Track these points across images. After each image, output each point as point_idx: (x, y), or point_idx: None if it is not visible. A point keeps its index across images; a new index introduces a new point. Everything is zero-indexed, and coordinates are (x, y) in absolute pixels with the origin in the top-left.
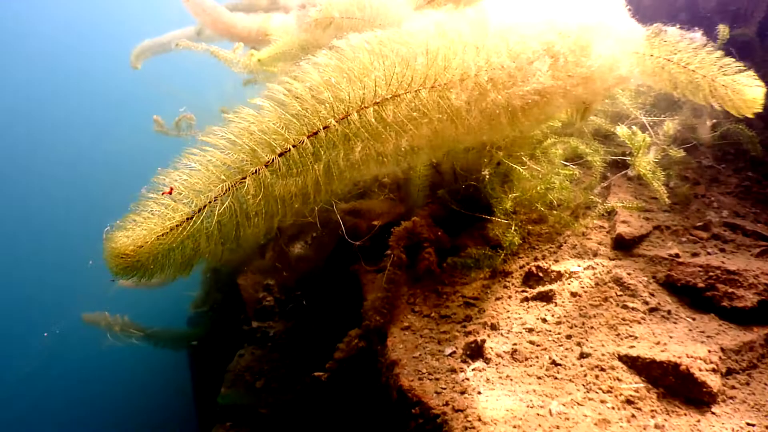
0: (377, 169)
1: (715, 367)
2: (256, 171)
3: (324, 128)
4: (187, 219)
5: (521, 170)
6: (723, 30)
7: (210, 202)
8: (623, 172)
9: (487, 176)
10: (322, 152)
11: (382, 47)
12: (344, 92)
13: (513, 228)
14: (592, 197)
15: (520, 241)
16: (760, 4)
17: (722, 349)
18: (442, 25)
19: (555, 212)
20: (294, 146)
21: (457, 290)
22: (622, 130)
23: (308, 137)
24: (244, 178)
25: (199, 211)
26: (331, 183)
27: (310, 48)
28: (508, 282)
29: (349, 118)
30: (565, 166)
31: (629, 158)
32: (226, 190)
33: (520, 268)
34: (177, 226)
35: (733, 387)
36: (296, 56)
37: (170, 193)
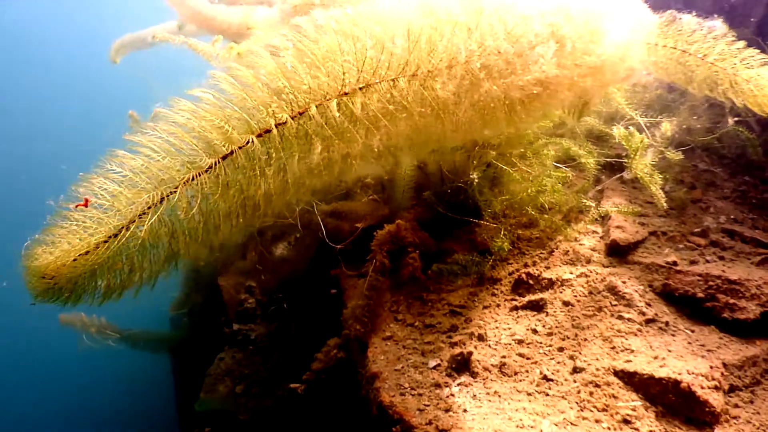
0: (344, 174)
1: (718, 384)
2: (191, 179)
3: (277, 125)
4: (114, 235)
5: (511, 172)
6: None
7: (138, 217)
8: (618, 176)
9: (476, 180)
10: (275, 154)
11: (353, 27)
12: (304, 81)
13: (502, 232)
14: (585, 201)
15: (509, 246)
16: (759, 4)
17: (724, 365)
18: (428, 1)
19: (546, 216)
20: (240, 147)
21: (443, 297)
22: (618, 131)
23: (258, 136)
24: (177, 188)
25: (124, 228)
26: (285, 192)
27: None
28: (497, 289)
29: (308, 112)
30: (557, 168)
31: (625, 161)
32: (156, 202)
33: (510, 274)
34: (99, 245)
35: (736, 405)
36: None
37: (86, 205)
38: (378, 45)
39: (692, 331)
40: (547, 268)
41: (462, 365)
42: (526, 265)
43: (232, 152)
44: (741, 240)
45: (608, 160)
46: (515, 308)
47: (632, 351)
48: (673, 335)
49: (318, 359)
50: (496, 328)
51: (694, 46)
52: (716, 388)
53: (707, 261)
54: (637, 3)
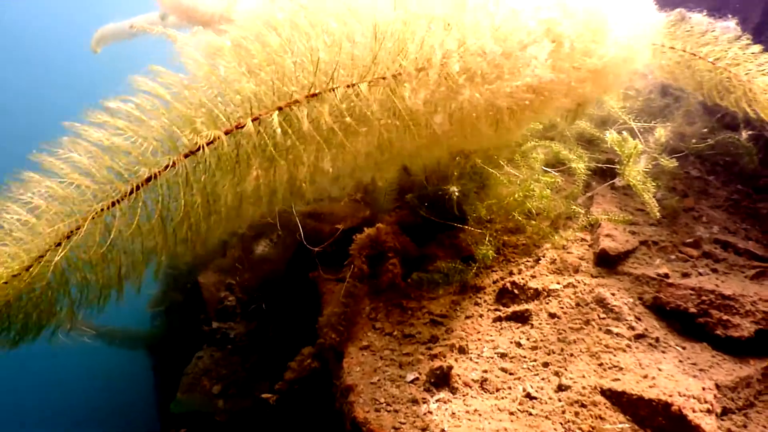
0: (294, 199)
1: (710, 407)
2: (102, 210)
3: (208, 143)
4: (26, 269)
5: (498, 175)
6: None
7: (45, 253)
8: (610, 182)
9: (456, 193)
10: (203, 179)
11: (308, 22)
12: (241, 88)
13: (487, 238)
14: (574, 207)
15: (494, 254)
16: (756, 8)
17: (717, 386)
18: None
19: (534, 222)
20: (159, 173)
21: (424, 305)
22: (611, 136)
23: (186, 156)
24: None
25: (35, 261)
26: (217, 226)
27: None
28: (480, 298)
29: (243, 129)
30: (546, 172)
31: (617, 167)
32: (63, 237)
33: (494, 282)
34: (9, 280)
35: (729, 430)
36: None
37: None
38: (334, 45)
39: (683, 348)
40: (533, 277)
41: (441, 380)
42: (511, 273)
43: (151, 177)
44: (734, 251)
45: (599, 165)
46: (499, 319)
47: (620, 369)
48: (663, 352)
49: (291, 368)
50: (479, 340)
51: (704, 49)
52: (708, 411)
53: (700, 273)
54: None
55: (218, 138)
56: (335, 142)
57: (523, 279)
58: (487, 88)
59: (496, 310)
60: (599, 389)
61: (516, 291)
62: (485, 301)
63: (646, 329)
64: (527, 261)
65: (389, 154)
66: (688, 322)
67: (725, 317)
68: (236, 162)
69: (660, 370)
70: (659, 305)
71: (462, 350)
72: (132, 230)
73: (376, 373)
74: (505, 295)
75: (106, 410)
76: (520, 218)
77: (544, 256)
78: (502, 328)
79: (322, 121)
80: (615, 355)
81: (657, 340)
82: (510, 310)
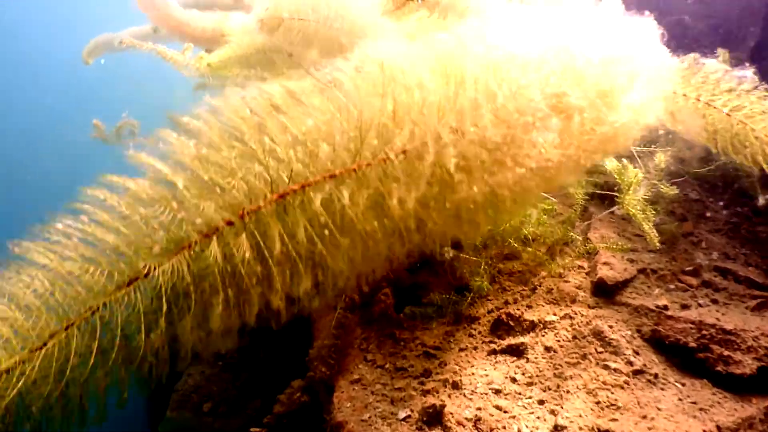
0: (267, 320)
1: None
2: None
3: (150, 271)
4: None
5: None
6: (723, 54)
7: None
8: (610, 210)
9: (451, 255)
10: (161, 315)
11: (280, 121)
12: (204, 213)
13: (482, 267)
14: (571, 233)
15: (489, 285)
16: (753, 28)
17: (718, 428)
18: (390, 66)
19: (530, 249)
20: (111, 303)
21: (417, 336)
22: (611, 165)
23: (145, 276)
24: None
25: None
26: (184, 362)
27: (269, 52)
28: (474, 329)
29: (205, 251)
30: (544, 197)
31: (617, 195)
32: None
33: (489, 312)
34: None
35: None
36: (253, 60)
37: None
38: (310, 146)
39: (683, 385)
40: (529, 307)
41: (434, 418)
42: (506, 303)
43: (105, 306)
44: (734, 279)
45: (597, 191)
46: (494, 352)
47: (618, 408)
48: (662, 389)
49: (280, 402)
50: (473, 374)
51: (720, 99)
52: None
53: (699, 305)
54: (656, 46)
55: (175, 264)
56: (308, 260)
57: (518, 310)
58: (490, 179)
59: (491, 342)
60: (596, 430)
61: (511, 323)
62: (480, 332)
63: (644, 364)
64: (523, 290)
65: (378, 257)
66: (688, 357)
67: (726, 353)
68: (200, 293)
69: (659, 409)
70: (658, 338)
71: (455, 385)
72: (89, 368)
73: (367, 409)
74: (500, 327)
75: (95, 427)
76: (516, 245)
77: (540, 285)
78: (496, 362)
79: (299, 237)
80: (612, 393)
81: (656, 376)
82: (505, 342)
